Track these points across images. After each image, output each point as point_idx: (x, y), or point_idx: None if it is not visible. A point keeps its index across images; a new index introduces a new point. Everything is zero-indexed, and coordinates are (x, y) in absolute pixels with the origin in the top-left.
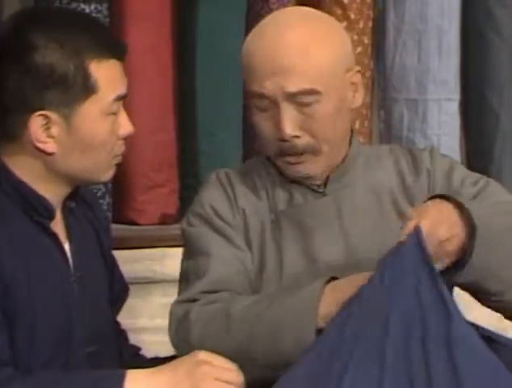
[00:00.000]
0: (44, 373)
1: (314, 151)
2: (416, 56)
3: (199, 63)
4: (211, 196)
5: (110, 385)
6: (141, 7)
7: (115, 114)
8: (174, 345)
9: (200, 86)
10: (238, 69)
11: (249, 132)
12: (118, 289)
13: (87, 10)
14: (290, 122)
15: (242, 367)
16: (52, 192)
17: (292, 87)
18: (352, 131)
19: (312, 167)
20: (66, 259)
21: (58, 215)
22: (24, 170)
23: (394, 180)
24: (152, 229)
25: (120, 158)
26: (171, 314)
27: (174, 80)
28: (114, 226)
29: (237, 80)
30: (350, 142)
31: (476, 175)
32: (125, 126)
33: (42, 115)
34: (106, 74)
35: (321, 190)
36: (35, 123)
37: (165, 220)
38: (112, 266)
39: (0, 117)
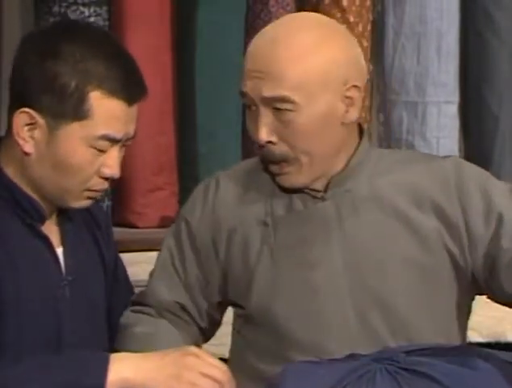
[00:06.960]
0: (32, 358)
1: (291, 161)
2: (415, 59)
3: (199, 64)
4: (190, 210)
5: (96, 366)
6: (141, 9)
7: (101, 151)
8: None
9: (200, 86)
10: (238, 69)
11: (248, 134)
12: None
13: (87, 13)
14: (265, 127)
15: None
16: (42, 195)
17: (267, 92)
18: (361, 137)
19: (295, 179)
20: (58, 263)
21: (53, 219)
22: (16, 171)
23: (405, 186)
24: (151, 233)
25: (98, 194)
26: None
27: (174, 81)
28: (113, 229)
29: (237, 81)
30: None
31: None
32: (111, 167)
33: (28, 113)
34: (105, 110)
35: (319, 196)
36: (20, 118)
37: (164, 223)
38: (114, 274)
39: (8, 110)
